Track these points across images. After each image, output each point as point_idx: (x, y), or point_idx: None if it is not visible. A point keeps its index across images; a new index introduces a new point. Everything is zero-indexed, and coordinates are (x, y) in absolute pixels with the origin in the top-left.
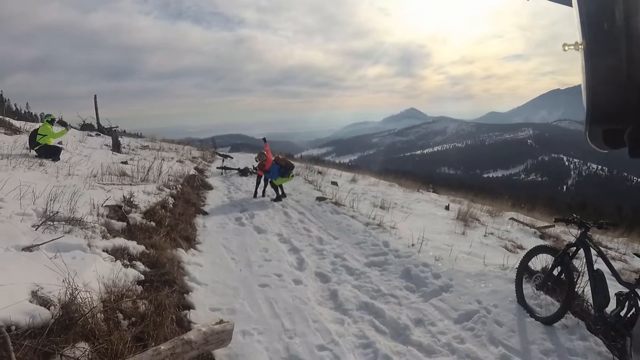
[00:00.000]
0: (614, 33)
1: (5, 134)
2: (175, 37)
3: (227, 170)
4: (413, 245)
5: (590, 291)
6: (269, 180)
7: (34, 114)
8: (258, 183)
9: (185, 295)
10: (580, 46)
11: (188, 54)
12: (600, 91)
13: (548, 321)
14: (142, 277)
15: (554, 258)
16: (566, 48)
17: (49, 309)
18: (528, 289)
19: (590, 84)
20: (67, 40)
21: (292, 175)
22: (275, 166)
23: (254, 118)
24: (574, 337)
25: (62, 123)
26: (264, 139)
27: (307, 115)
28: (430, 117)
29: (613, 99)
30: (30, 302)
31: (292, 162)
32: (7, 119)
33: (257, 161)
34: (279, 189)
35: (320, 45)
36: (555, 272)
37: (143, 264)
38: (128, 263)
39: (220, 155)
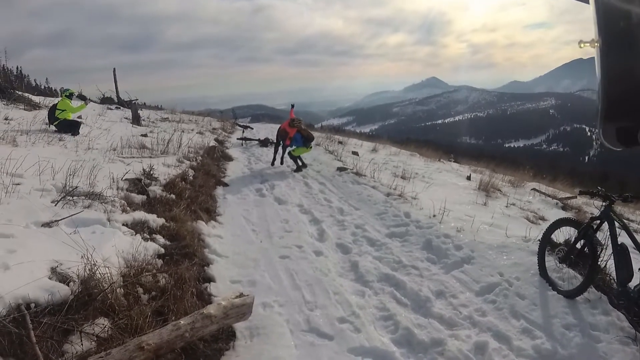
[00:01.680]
0: (630, 32)
1: (24, 109)
2: (192, 7)
3: (247, 141)
4: (434, 216)
5: (613, 265)
6: (289, 150)
7: (53, 88)
8: (276, 151)
9: (205, 267)
10: (596, 44)
11: (206, 24)
12: (615, 89)
13: (570, 295)
14: (162, 250)
15: (577, 231)
16: (582, 45)
17: (68, 286)
18: (550, 261)
19: (605, 82)
20: (83, 14)
21: (311, 147)
22: (298, 135)
23: (274, 88)
24: (596, 311)
25: (82, 97)
26: (292, 105)
27: (327, 84)
28: (452, 86)
29: (627, 96)
30: (50, 278)
31: (312, 134)
32: (27, 94)
33: (291, 127)
34: (299, 160)
35: (339, 13)
36: (578, 245)
37: (163, 237)
38: (148, 236)
39: (240, 126)
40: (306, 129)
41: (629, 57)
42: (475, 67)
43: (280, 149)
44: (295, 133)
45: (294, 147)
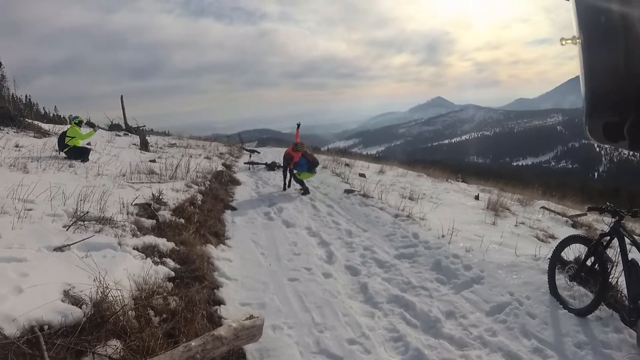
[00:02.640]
0: (610, 27)
1: (34, 137)
2: (198, 34)
3: (254, 165)
4: (443, 236)
5: (624, 282)
6: (294, 173)
7: (62, 116)
8: (285, 175)
9: (215, 290)
10: (577, 40)
11: (211, 50)
12: (599, 84)
13: (581, 313)
14: (173, 273)
15: (587, 248)
16: (563, 42)
17: (80, 308)
18: (561, 279)
19: (588, 78)
20: (91, 41)
21: (315, 172)
22: (303, 159)
23: (280, 111)
24: (608, 329)
25: (90, 124)
26: (298, 125)
27: (332, 106)
28: (457, 105)
29: (611, 91)
30: (62, 301)
31: (317, 158)
32: (36, 122)
33: (294, 151)
34: (303, 183)
35: (342, 36)
36: (588, 263)
37: (173, 260)
38: (158, 260)
39: (247, 150)
40: (311, 153)
41: (610, 52)
42: (480, 85)
43: (288, 173)
44: (299, 157)
45: (298, 171)
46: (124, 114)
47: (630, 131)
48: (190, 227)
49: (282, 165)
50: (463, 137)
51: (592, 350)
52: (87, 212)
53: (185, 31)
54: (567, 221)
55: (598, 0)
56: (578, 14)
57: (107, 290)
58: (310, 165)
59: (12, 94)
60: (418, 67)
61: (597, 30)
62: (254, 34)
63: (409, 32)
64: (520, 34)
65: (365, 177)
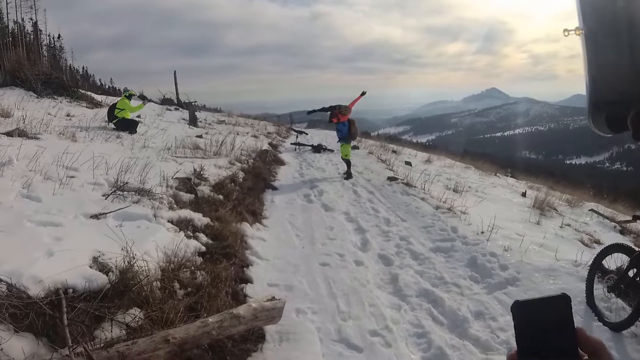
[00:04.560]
0: (614, 18)
1: (87, 107)
2: (252, 14)
3: (300, 147)
4: (482, 232)
5: None
6: (340, 145)
7: (117, 88)
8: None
9: (245, 268)
10: (580, 31)
11: (265, 31)
12: (602, 77)
13: (616, 327)
14: (204, 248)
15: (629, 259)
16: (566, 33)
17: (107, 275)
18: (599, 289)
19: (591, 70)
20: (146, 18)
21: (350, 144)
22: (346, 125)
23: (330, 94)
24: None
25: (142, 97)
26: (364, 92)
27: (383, 92)
28: (512, 97)
29: (615, 84)
30: (90, 267)
31: (357, 136)
32: (89, 93)
33: (342, 114)
34: (349, 166)
35: (397, 21)
36: (630, 274)
37: (206, 236)
38: (191, 234)
39: (295, 131)
40: (356, 126)
41: (614, 44)
42: (536, 78)
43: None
44: (345, 120)
45: (341, 143)
46: (176, 89)
47: (634, 122)
48: (228, 204)
49: (327, 147)
50: (516, 131)
51: None
52: (127, 183)
53: (240, 11)
54: (615, 227)
55: None
56: (581, 4)
57: (134, 260)
58: (348, 135)
59: (70, 65)
60: (473, 56)
61: (600, 22)
62: (308, 16)
63: (465, 20)
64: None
65: (411, 165)
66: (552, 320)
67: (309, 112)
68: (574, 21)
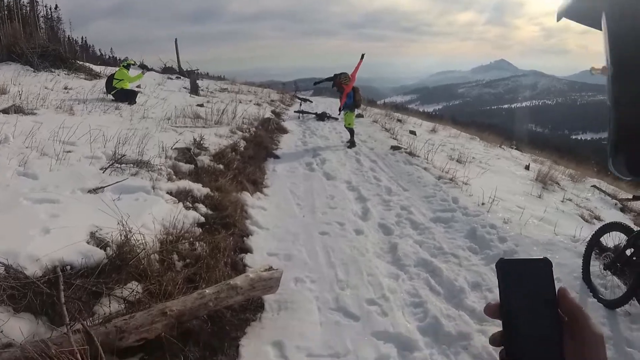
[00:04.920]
0: None
1: (85, 79)
2: None
3: (304, 115)
4: (483, 204)
5: None
6: (343, 115)
7: (117, 58)
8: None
9: (244, 238)
10: (608, 71)
11: None
12: (626, 119)
13: (610, 305)
14: (203, 219)
15: (627, 238)
16: (593, 72)
17: (104, 250)
18: (596, 266)
19: (616, 110)
20: None
21: (354, 115)
22: (351, 94)
23: (338, 62)
24: (635, 326)
25: (142, 67)
26: (363, 55)
27: (392, 60)
28: (521, 70)
29: (638, 127)
30: (87, 243)
31: (363, 105)
32: (87, 64)
33: (344, 84)
34: (352, 134)
35: None
36: (627, 253)
37: (205, 206)
38: (190, 205)
39: (299, 98)
40: (360, 94)
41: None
42: (546, 52)
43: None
44: (350, 90)
45: (345, 111)
46: (177, 58)
47: None
48: (229, 173)
49: (331, 116)
50: (523, 104)
51: (613, 346)
52: (125, 155)
53: None
54: (616, 204)
55: (629, 35)
56: (610, 45)
57: (130, 234)
58: (352, 104)
59: (68, 36)
60: (484, 26)
61: (627, 63)
62: None
63: None
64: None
65: (415, 134)
66: (534, 281)
67: (316, 83)
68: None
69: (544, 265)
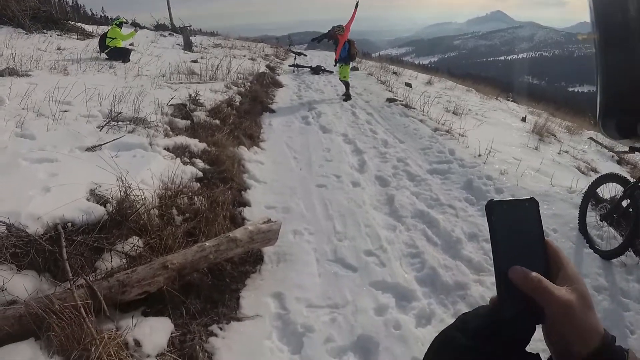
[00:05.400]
0: (627, 26)
1: (77, 39)
2: None
3: (299, 68)
4: (480, 155)
5: None
6: (337, 66)
7: (109, 17)
8: (317, 39)
9: (242, 192)
10: (594, 38)
11: None
12: (614, 84)
13: (606, 256)
14: (201, 174)
15: (623, 189)
16: (581, 38)
17: (104, 206)
18: (592, 217)
19: (603, 77)
20: None
21: (349, 68)
22: (346, 45)
23: (331, 14)
24: (630, 277)
25: (134, 25)
26: (357, 4)
27: (386, 13)
28: (517, 22)
29: (626, 91)
30: (87, 200)
31: (358, 57)
32: (80, 24)
33: (336, 31)
34: (348, 87)
35: None
36: (623, 204)
37: (203, 161)
38: (188, 160)
39: (293, 52)
40: (355, 47)
41: (627, 51)
42: (543, 3)
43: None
44: (345, 42)
45: (340, 64)
46: (169, 14)
47: None
48: (225, 128)
49: (326, 69)
50: (520, 56)
51: (609, 296)
52: (121, 113)
53: None
54: (613, 156)
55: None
56: (595, 10)
57: (130, 190)
58: (347, 56)
59: None
60: None
61: (613, 29)
62: None
63: None
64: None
65: (411, 87)
66: (522, 220)
67: (313, 40)
68: None
69: (531, 205)
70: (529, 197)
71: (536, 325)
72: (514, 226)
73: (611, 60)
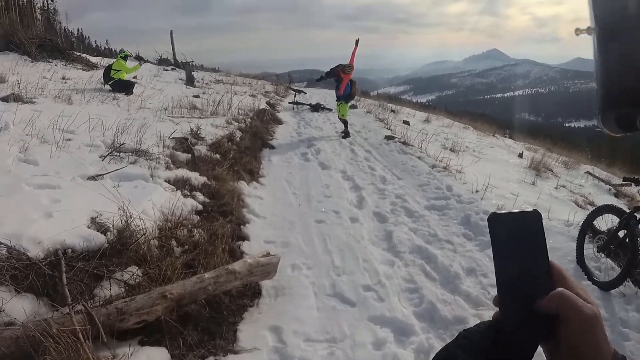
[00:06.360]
0: (627, 17)
1: (82, 69)
2: None
3: (298, 106)
4: (477, 191)
5: None
6: (337, 104)
7: (112, 49)
8: (321, 79)
9: (241, 226)
10: (592, 31)
11: None
12: (614, 76)
13: (605, 287)
14: (200, 207)
15: (619, 219)
16: (578, 32)
17: (105, 235)
18: (589, 249)
19: (603, 70)
20: None
21: (348, 106)
22: (348, 85)
23: (332, 53)
24: (629, 307)
25: (139, 58)
26: (357, 41)
27: (385, 52)
28: (513, 59)
29: (626, 84)
30: (88, 227)
31: (357, 96)
32: (84, 55)
33: (345, 73)
34: (346, 125)
35: None
36: (620, 235)
37: (203, 194)
38: (188, 193)
39: (293, 90)
40: (355, 86)
41: (626, 43)
42: (538, 41)
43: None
44: (348, 81)
45: (340, 102)
46: (173, 49)
47: None
48: (225, 162)
49: (325, 107)
50: (516, 93)
51: (609, 327)
52: (123, 144)
53: None
54: (610, 189)
55: None
56: (593, 3)
57: (131, 219)
58: (349, 95)
59: (64, 27)
60: (476, 16)
61: (612, 21)
62: None
63: None
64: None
65: (409, 124)
66: (525, 232)
67: (317, 80)
68: None
69: (534, 217)
70: (531, 209)
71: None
72: (517, 238)
73: (610, 53)
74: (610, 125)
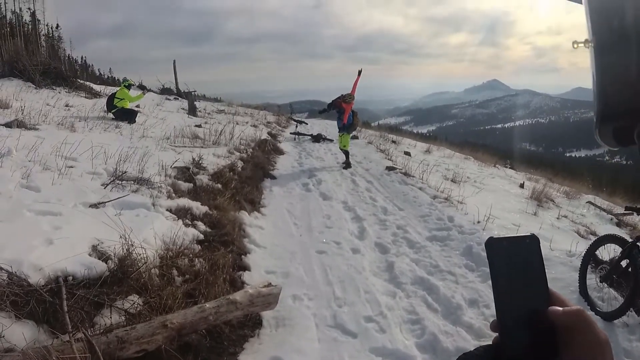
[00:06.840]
0: (623, 30)
1: (85, 97)
2: (253, 1)
3: (300, 136)
4: (479, 222)
5: None
6: (339, 135)
7: (115, 78)
8: (327, 110)
9: (242, 256)
10: (590, 44)
11: (266, 18)
12: (610, 89)
13: (608, 317)
14: (202, 236)
15: (622, 249)
16: (575, 46)
17: (106, 263)
18: (592, 279)
19: (600, 82)
20: (146, 6)
21: (350, 137)
22: (351, 115)
23: (332, 84)
24: (633, 337)
25: (141, 87)
26: (360, 71)
27: (386, 82)
28: (513, 89)
29: (623, 97)
30: (89, 255)
31: (358, 127)
32: (88, 83)
33: (346, 103)
34: (348, 156)
35: (400, 10)
36: (622, 264)
37: (204, 224)
38: (190, 222)
39: (295, 120)
40: (357, 117)
41: (623, 56)
42: (538, 71)
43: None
44: (350, 111)
45: (342, 133)
46: (175, 79)
47: None
48: (227, 192)
49: (326, 137)
50: (517, 123)
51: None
52: (126, 172)
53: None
54: (612, 219)
55: (611, 4)
56: (591, 16)
57: (132, 248)
58: (350, 125)
59: (68, 55)
60: (475, 47)
61: (610, 34)
62: (310, 3)
63: (468, 10)
64: (584, 21)
65: (410, 155)
66: (522, 257)
67: (320, 112)
68: (576, 15)
69: (532, 242)
70: (529, 234)
71: None
72: (515, 263)
73: (608, 65)
74: (607, 138)
